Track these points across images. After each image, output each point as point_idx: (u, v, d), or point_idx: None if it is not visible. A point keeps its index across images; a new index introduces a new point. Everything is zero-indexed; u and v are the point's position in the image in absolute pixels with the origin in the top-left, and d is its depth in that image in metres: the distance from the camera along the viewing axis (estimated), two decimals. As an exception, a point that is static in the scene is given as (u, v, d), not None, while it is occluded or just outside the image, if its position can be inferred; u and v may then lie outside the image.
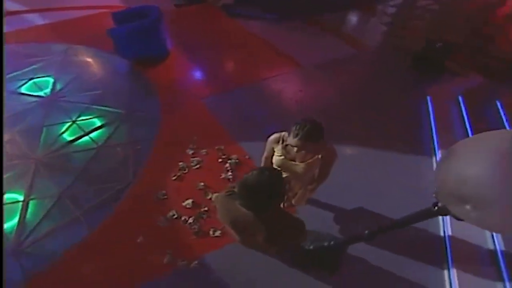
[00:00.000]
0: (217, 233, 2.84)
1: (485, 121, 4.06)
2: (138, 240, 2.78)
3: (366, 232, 2.05)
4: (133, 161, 3.44)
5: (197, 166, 3.38)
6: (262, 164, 2.30)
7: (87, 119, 3.95)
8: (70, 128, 3.82)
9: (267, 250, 1.77)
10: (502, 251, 2.66)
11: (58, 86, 4.45)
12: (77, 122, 3.90)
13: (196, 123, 3.98)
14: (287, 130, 1.91)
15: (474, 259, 2.69)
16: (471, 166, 1.10)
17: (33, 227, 2.87)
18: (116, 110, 4.10)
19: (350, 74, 5.17)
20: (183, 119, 4.06)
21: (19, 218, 2.93)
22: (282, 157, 2.04)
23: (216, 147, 3.58)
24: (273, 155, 2.14)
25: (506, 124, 3.82)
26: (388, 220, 2.85)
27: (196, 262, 2.67)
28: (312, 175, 2.20)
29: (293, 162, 2.04)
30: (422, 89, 4.60)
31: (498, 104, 4.15)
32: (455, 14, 6.83)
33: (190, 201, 3.04)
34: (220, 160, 3.44)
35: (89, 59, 5.13)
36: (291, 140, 1.81)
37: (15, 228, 2.87)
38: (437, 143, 3.72)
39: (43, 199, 3.08)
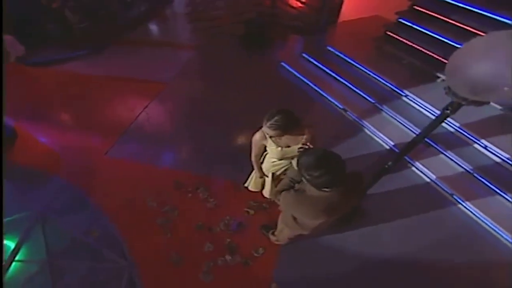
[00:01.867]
0: (261, 250, 2.98)
1: (334, 63, 4.93)
2: (201, 308, 2.71)
3: (389, 163, 2.22)
4: (108, 248, 3.06)
5: (176, 212, 3.37)
6: (254, 164, 2.48)
7: (-7, 244, 2.96)
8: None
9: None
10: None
11: None
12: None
13: (128, 178, 3.75)
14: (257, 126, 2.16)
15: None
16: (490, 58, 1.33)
17: None
18: (21, 215, 3.24)
19: (206, 72, 5.75)
20: (108, 181, 3.72)
21: None
22: (279, 148, 2.17)
23: (173, 183, 3.63)
24: (264, 152, 2.36)
25: (349, 59, 4.64)
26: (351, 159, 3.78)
27: (274, 284, 2.79)
28: None
29: (290, 148, 2.17)
30: (271, 59, 5.68)
31: (331, 48, 4.97)
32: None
33: (208, 244, 3.06)
34: (189, 194, 3.55)
35: None
36: (268, 131, 2.02)
37: None
38: (324, 92, 4.73)
39: None
